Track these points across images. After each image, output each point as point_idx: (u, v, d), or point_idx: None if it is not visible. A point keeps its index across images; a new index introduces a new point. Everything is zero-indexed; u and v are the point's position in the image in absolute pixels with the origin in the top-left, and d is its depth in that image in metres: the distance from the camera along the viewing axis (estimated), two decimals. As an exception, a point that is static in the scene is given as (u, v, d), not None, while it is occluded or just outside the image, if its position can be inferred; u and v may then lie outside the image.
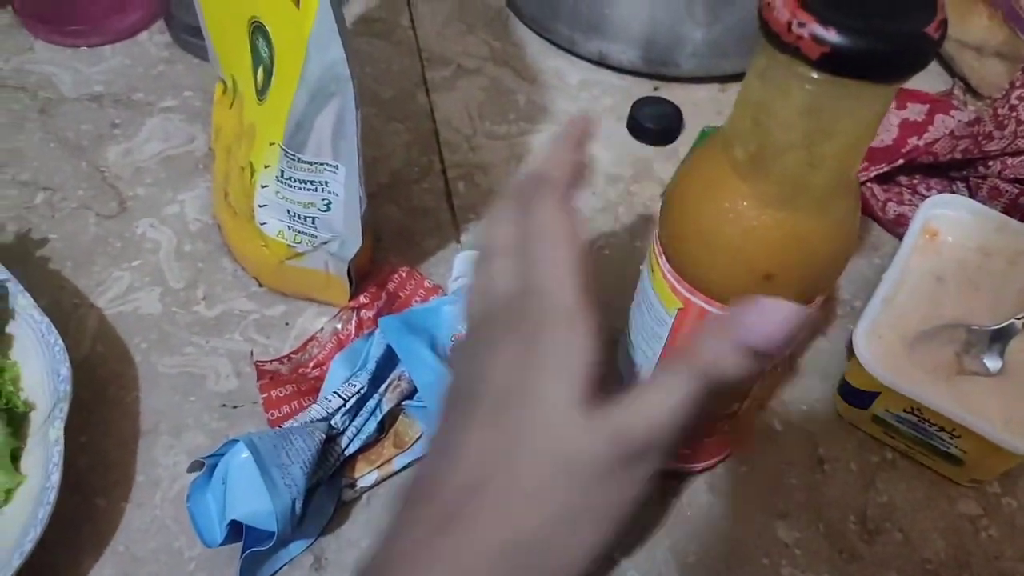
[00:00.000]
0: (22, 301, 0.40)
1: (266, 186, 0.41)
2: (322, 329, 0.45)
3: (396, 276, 0.47)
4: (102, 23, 0.61)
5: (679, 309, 0.32)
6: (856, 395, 0.42)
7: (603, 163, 0.55)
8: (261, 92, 0.41)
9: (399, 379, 0.41)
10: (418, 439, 0.41)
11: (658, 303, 0.33)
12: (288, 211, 0.42)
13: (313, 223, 0.42)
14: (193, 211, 0.51)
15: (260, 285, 0.47)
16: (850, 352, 0.46)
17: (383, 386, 0.41)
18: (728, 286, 0.30)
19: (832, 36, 0.23)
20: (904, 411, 0.40)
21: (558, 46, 0.62)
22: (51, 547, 0.36)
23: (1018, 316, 0.42)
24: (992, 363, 0.41)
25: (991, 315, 0.43)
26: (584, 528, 0.24)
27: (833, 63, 0.23)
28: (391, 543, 0.25)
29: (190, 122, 0.56)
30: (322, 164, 0.39)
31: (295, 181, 0.40)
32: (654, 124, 0.56)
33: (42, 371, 0.39)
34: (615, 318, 0.47)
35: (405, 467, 0.41)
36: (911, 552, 0.40)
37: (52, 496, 0.34)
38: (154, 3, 0.62)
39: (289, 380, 0.43)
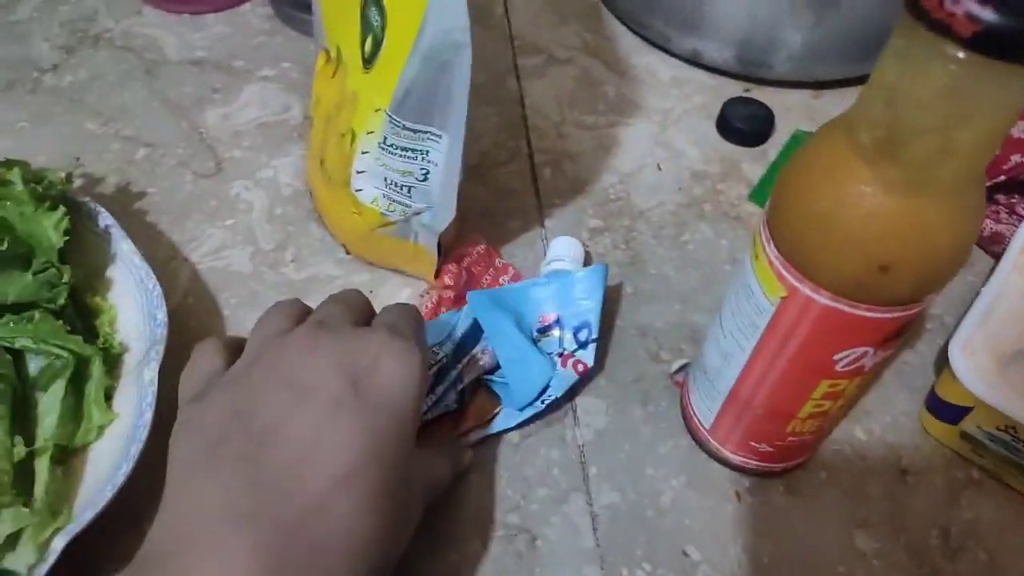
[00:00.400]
0: (124, 246, 0.42)
1: (367, 152, 0.42)
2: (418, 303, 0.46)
3: (474, 252, 0.48)
4: (207, -8, 0.62)
5: (783, 298, 0.31)
6: (946, 409, 0.41)
7: (691, 160, 0.55)
8: (368, 61, 0.42)
9: (482, 353, 0.41)
10: (497, 413, 0.41)
11: (760, 292, 0.32)
12: (385, 178, 0.42)
13: (408, 192, 0.42)
14: (286, 176, 0.52)
15: (347, 253, 0.48)
16: (940, 366, 0.45)
17: (465, 358, 0.41)
18: (841, 275, 0.29)
19: (988, 14, 0.22)
20: (997, 429, 0.39)
21: (651, 42, 0.62)
22: (135, 485, 0.37)
23: (1124, 341, 0.40)
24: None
25: (1095, 338, 0.41)
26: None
27: (985, 43, 0.22)
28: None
29: (287, 92, 0.57)
30: (425, 132, 0.40)
31: (396, 148, 0.41)
32: (745, 125, 0.56)
33: (138, 315, 0.40)
34: (698, 312, 0.47)
35: (481, 440, 0.41)
36: (995, 573, 0.39)
37: (144, 434, 0.35)
38: (257, -24, 0.64)
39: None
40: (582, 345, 0.43)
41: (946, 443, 0.43)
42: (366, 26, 0.42)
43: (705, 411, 0.39)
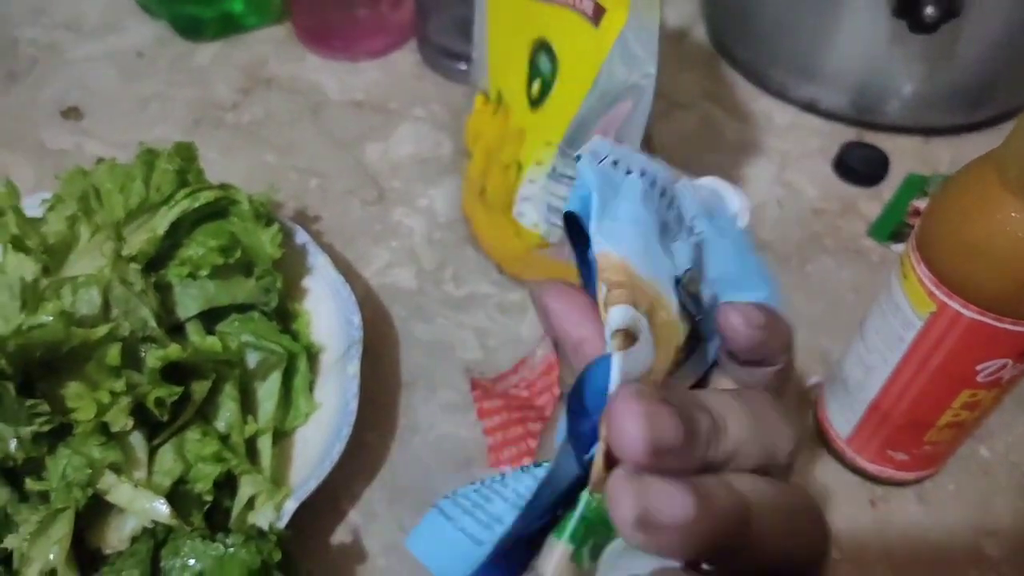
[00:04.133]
0: (321, 260, 0.48)
1: (533, 181, 0.47)
2: (534, 353, 0.50)
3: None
4: (361, 42, 0.69)
5: (932, 313, 0.35)
6: (1069, 430, 0.44)
7: (809, 198, 0.59)
8: (535, 102, 0.48)
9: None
10: None
11: (908, 308, 0.36)
12: (548, 204, 0.47)
13: None
14: (441, 205, 0.58)
15: (500, 272, 0.53)
16: (1061, 391, 0.48)
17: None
18: (988, 291, 0.33)
19: None
20: (1122, 448, 0.42)
21: (768, 90, 0.66)
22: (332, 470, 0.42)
23: None
24: None
25: None
26: None
27: None
28: None
29: (437, 130, 0.63)
30: None
31: (563, 177, 0.46)
32: (861, 167, 0.60)
33: (333, 319, 0.46)
34: (825, 335, 0.51)
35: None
36: (1122, 585, 0.41)
37: (352, 419, 0.41)
38: (404, 29, 0.71)
39: (498, 395, 0.48)
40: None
41: (1068, 464, 0.46)
42: (534, 71, 0.48)
43: (842, 423, 0.43)
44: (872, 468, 0.43)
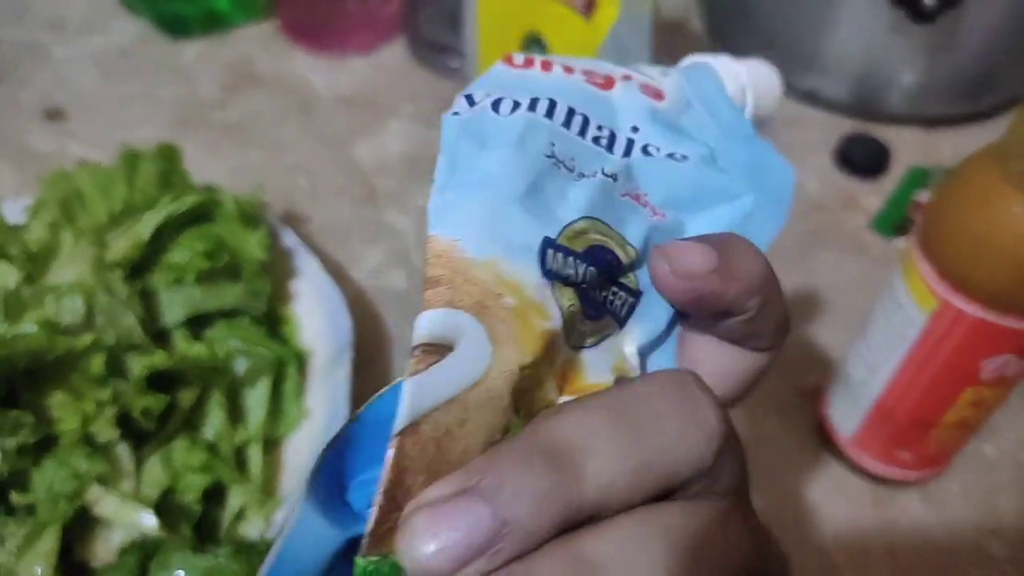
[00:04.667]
0: (310, 262, 0.47)
1: None
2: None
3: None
4: (349, 37, 0.68)
5: (935, 310, 0.34)
6: (1075, 425, 0.43)
7: (810, 192, 0.58)
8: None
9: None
10: None
11: (911, 305, 0.36)
12: None
13: None
14: (433, 204, 0.56)
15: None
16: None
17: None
18: (992, 287, 0.32)
19: None
20: None
21: (764, 81, 0.65)
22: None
23: None
24: None
25: None
26: None
27: None
28: None
29: (428, 127, 0.62)
30: None
31: None
32: (862, 160, 0.59)
33: (322, 323, 0.45)
34: (827, 332, 0.50)
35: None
36: None
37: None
38: (393, 23, 0.69)
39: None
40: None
41: (1074, 460, 0.45)
42: None
43: (845, 422, 0.42)
44: (876, 468, 0.42)
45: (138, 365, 0.36)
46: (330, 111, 0.63)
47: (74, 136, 0.61)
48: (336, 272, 0.52)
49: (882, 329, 0.38)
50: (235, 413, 0.40)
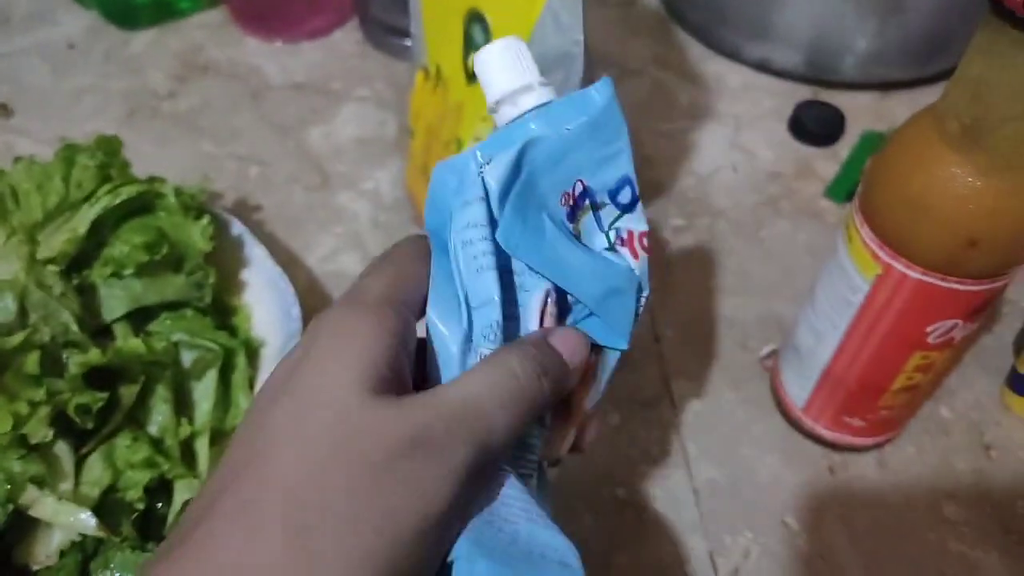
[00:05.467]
0: (257, 252, 0.46)
1: None
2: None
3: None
4: (300, 23, 0.67)
5: (877, 275, 0.34)
6: (1028, 385, 0.43)
7: (765, 161, 0.58)
8: (472, 76, 0.46)
9: (546, 304, 0.27)
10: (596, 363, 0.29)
11: (854, 271, 0.35)
12: None
13: None
14: (387, 187, 0.56)
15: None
16: (1020, 345, 0.47)
17: (532, 323, 0.26)
18: (933, 251, 0.32)
19: (1070, 8, 0.25)
20: (1080, 401, 0.41)
21: (720, 52, 0.65)
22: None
23: None
24: None
25: None
26: (365, 527, 0.20)
27: (1067, 34, 0.25)
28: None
29: (381, 110, 0.61)
30: None
31: None
32: (817, 126, 0.58)
33: (272, 313, 0.44)
34: (781, 302, 0.50)
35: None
36: (1084, 540, 0.41)
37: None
38: (344, 7, 0.68)
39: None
40: (626, 209, 0.28)
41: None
42: (469, 43, 0.46)
43: (797, 391, 0.42)
44: (829, 435, 0.42)
45: (73, 363, 0.35)
46: (282, 98, 0.62)
47: (20, 133, 0.60)
48: (290, 259, 0.52)
49: (828, 296, 0.38)
50: (182, 406, 0.40)
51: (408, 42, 0.65)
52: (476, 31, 0.45)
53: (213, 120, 0.60)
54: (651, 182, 0.56)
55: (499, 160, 0.25)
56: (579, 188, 0.27)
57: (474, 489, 0.23)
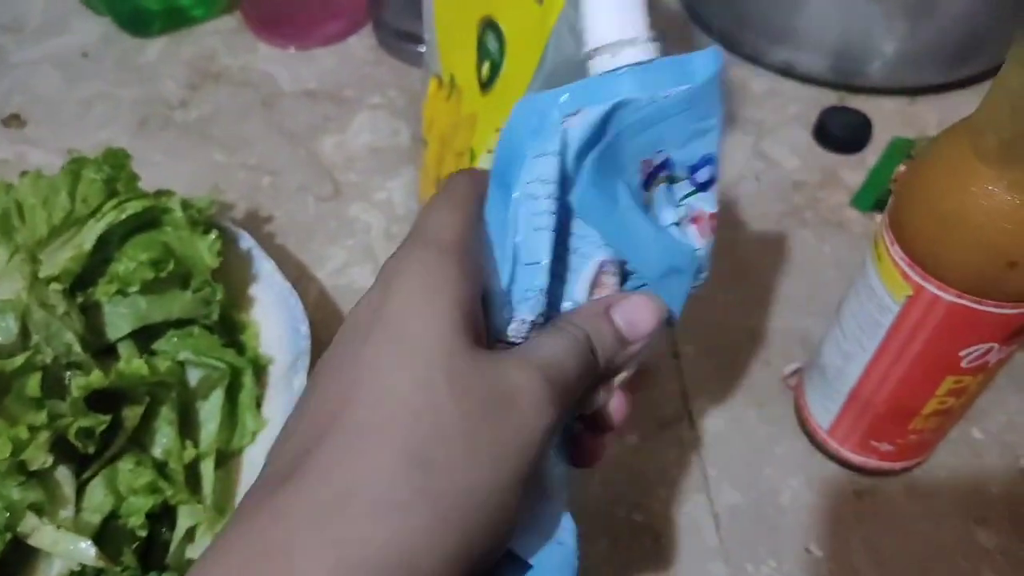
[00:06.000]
0: (266, 266, 0.45)
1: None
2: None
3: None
4: (314, 28, 0.66)
5: (908, 296, 0.32)
6: (1066, 406, 0.41)
7: (789, 169, 0.56)
8: (486, 85, 0.45)
9: (601, 274, 0.26)
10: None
11: (884, 292, 0.34)
12: None
13: None
14: (399, 197, 0.55)
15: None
16: (1057, 364, 0.45)
17: (579, 292, 0.26)
18: (968, 273, 0.30)
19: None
20: (1122, 424, 0.39)
21: (743, 56, 0.63)
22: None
23: None
24: None
25: None
26: (480, 468, 0.20)
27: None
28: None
29: (395, 118, 0.60)
30: None
31: None
32: (843, 132, 0.56)
33: (281, 329, 0.43)
34: (806, 317, 0.48)
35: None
36: (1126, 570, 0.39)
37: (298, 437, 0.38)
38: (359, 12, 0.67)
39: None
40: (702, 187, 0.27)
41: (1067, 441, 0.43)
42: (482, 52, 0.45)
43: (823, 412, 0.40)
44: (856, 459, 0.40)
45: (75, 386, 0.34)
46: (294, 105, 0.61)
47: (33, 143, 0.59)
48: (300, 272, 0.51)
49: (855, 316, 0.36)
50: (187, 427, 0.39)
51: (422, 48, 0.64)
52: (490, 39, 0.44)
53: (225, 129, 0.59)
54: (670, 191, 0.55)
55: (585, 115, 0.23)
56: (661, 158, 0.26)
57: (547, 450, 0.23)
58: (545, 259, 0.24)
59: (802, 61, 0.60)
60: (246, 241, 0.46)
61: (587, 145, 0.24)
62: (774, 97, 0.61)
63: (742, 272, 0.50)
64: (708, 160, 0.26)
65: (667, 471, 0.42)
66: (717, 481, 0.42)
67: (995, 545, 0.39)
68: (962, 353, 0.33)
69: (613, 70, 0.25)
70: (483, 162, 0.45)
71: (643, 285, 0.27)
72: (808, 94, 0.61)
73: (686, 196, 0.27)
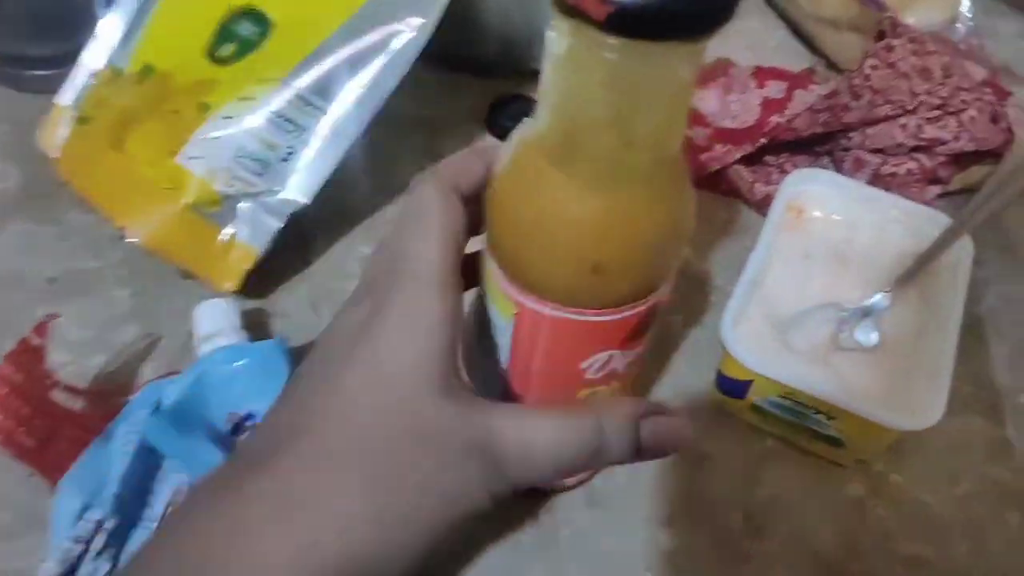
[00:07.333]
0: None
1: (229, 117, 0.42)
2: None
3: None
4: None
5: (515, 314, 0.29)
6: (732, 385, 0.40)
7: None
8: (228, 59, 0.45)
9: (178, 493, 0.35)
10: None
11: (496, 312, 0.30)
12: (242, 146, 0.42)
13: (261, 168, 0.43)
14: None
15: (123, 238, 0.44)
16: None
17: (158, 506, 0.35)
18: (557, 282, 0.27)
19: (616, -6, 0.20)
20: (779, 396, 0.39)
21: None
22: None
23: (886, 288, 0.41)
24: (866, 338, 0.40)
25: (861, 288, 0.42)
26: (426, 506, 0.23)
27: (622, 23, 0.20)
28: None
29: (3, 156, 0.50)
30: (314, 106, 0.42)
31: (279, 117, 0.42)
32: (513, 121, 0.53)
33: None
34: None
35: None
36: (800, 544, 0.38)
37: None
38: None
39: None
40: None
41: (741, 418, 0.42)
42: (227, 37, 0.45)
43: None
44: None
45: None
46: None
47: None
48: None
49: (491, 336, 0.32)
50: None
51: (39, 69, 0.54)
52: (242, 27, 0.45)
53: None
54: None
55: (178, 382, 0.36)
56: (245, 411, 0.36)
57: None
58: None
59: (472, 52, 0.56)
60: None
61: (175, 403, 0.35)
62: (449, 92, 0.57)
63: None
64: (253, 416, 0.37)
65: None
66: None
67: (678, 547, 0.38)
68: (583, 365, 0.30)
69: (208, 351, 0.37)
70: (229, 109, 0.43)
71: None
72: (479, 86, 0.57)
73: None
